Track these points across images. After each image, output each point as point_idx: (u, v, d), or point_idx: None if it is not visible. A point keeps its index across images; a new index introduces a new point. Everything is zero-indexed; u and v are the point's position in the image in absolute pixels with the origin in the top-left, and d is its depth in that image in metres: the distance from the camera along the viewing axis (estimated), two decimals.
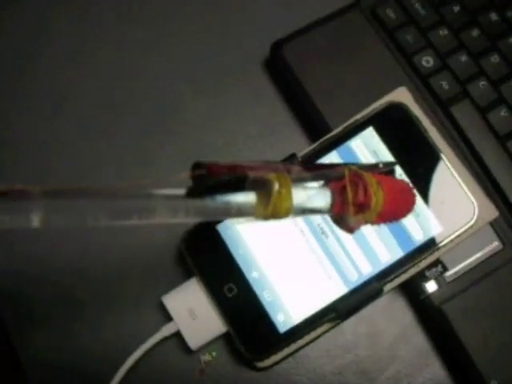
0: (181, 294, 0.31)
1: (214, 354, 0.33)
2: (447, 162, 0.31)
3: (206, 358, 0.33)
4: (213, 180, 0.21)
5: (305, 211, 0.23)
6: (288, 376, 0.33)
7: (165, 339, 0.32)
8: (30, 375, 0.33)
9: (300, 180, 0.23)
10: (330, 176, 0.24)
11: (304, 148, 0.32)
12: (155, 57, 0.37)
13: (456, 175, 0.31)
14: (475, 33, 0.34)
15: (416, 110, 0.31)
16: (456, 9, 0.34)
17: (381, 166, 0.26)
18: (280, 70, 0.35)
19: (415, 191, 0.28)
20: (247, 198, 0.22)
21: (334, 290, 0.30)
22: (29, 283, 0.34)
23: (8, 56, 0.37)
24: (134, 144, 0.36)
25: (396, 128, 0.31)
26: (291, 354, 0.31)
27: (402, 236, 0.30)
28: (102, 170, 0.35)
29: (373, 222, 0.24)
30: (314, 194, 0.23)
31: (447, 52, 0.34)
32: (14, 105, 0.36)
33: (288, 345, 0.31)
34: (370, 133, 0.31)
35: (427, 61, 0.34)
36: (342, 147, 0.31)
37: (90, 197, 0.19)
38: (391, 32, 0.34)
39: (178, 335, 0.32)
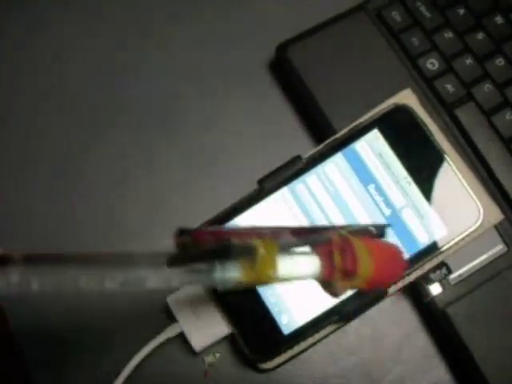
0: (185, 294, 0.31)
1: (217, 355, 0.33)
2: (452, 165, 0.31)
3: (209, 359, 0.33)
4: (196, 249, 0.21)
5: (290, 277, 0.22)
6: (291, 378, 0.33)
7: (169, 340, 0.32)
8: (34, 373, 0.33)
9: (287, 245, 0.23)
10: (319, 240, 0.23)
11: (309, 150, 0.32)
12: (160, 57, 0.37)
13: (461, 178, 0.31)
14: (480, 36, 0.34)
15: (421, 113, 0.31)
16: (461, 12, 0.34)
17: (372, 229, 0.26)
18: (285, 71, 0.35)
19: (405, 256, 0.27)
20: (231, 266, 0.21)
21: None
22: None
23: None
24: (138, 145, 0.36)
25: (401, 130, 0.31)
26: (295, 356, 0.31)
27: (407, 238, 0.30)
28: (104, 171, 0.35)
29: (362, 288, 0.23)
30: (302, 260, 0.22)
31: (452, 55, 0.34)
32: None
33: (292, 347, 0.30)
34: (375, 135, 0.31)
35: (432, 63, 0.34)
36: (347, 149, 0.31)
37: (74, 263, 0.19)
38: (397, 34, 0.34)
39: (181, 336, 0.32)
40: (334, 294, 0.23)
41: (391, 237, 0.30)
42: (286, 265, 0.22)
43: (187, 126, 0.36)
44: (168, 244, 0.21)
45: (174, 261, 0.20)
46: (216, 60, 0.37)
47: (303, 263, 0.22)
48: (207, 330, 0.31)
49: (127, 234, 0.34)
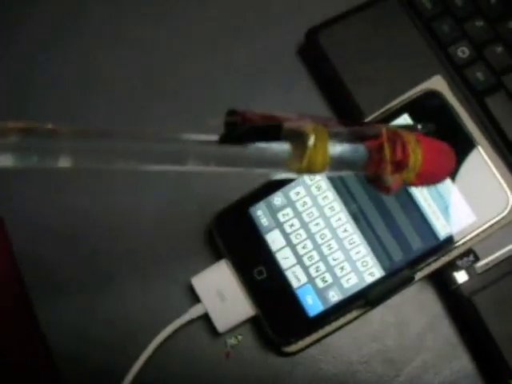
0: (210, 275, 0.31)
1: (240, 337, 0.33)
2: (482, 152, 0.31)
3: (232, 341, 0.33)
4: (247, 126, 0.20)
5: (339, 167, 0.22)
6: (314, 363, 0.33)
7: (192, 321, 0.32)
8: (56, 350, 0.33)
9: (336, 135, 0.22)
10: (367, 133, 0.23)
11: None
12: (192, 44, 0.37)
13: (490, 165, 0.31)
14: (511, 24, 0.34)
15: (451, 99, 0.31)
16: (492, 0, 0.34)
17: (419, 127, 0.25)
18: (315, 56, 0.35)
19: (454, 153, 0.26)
20: (281, 148, 0.20)
21: (364, 276, 0.30)
22: (58, 256, 0.34)
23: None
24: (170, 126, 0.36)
25: (431, 115, 0.31)
26: (319, 340, 0.31)
27: (435, 224, 0.30)
28: None
29: (411, 183, 0.23)
30: (350, 149, 0.22)
31: (483, 43, 0.34)
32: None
33: (316, 330, 0.30)
34: (404, 120, 0.31)
35: (463, 51, 0.34)
36: None
37: (120, 139, 0.19)
38: (427, 22, 0.34)
39: (205, 317, 0.32)
40: (386, 190, 0.23)
41: (418, 221, 0.30)
42: (335, 152, 0.21)
43: (218, 111, 0.36)
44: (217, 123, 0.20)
45: (224, 139, 0.20)
46: (246, 45, 0.37)
47: (353, 152, 0.22)
48: (231, 311, 0.31)
49: None
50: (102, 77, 0.37)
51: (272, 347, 0.32)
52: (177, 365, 0.33)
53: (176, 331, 0.32)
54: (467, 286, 0.31)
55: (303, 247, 0.31)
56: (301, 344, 0.31)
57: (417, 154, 0.22)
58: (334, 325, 0.31)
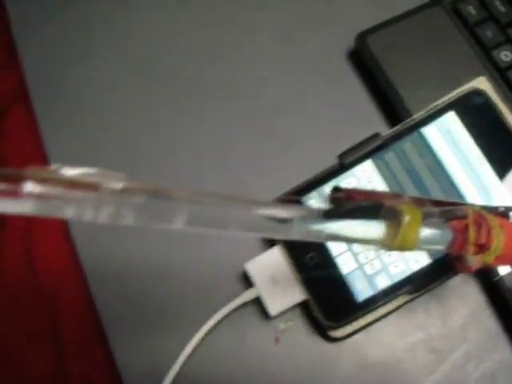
0: (263, 261, 0.33)
1: (289, 323, 0.34)
2: None
3: (281, 326, 0.34)
4: (351, 204, 0.22)
5: (426, 246, 0.23)
6: (359, 350, 0.34)
7: (243, 305, 0.34)
8: (111, 335, 0.35)
9: (428, 215, 0.24)
10: (454, 214, 0.24)
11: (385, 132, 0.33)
12: (243, 44, 0.40)
13: None
14: None
15: (495, 98, 0.33)
16: None
17: (502, 209, 0.27)
18: (364, 59, 0.37)
19: None
20: (376, 225, 0.22)
21: (411, 264, 0.32)
22: (116, 246, 0.36)
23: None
24: (219, 126, 0.38)
25: (476, 113, 0.33)
26: (365, 327, 0.32)
27: None
28: (184, 157, 0.38)
29: (490, 264, 0.24)
30: (437, 230, 0.23)
31: None
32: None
33: (363, 315, 0.32)
34: (451, 116, 0.33)
35: (506, 55, 0.35)
36: (424, 129, 0.33)
37: (232, 207, 0.20)
38: (471, 27, 0.36)
39: (254, 303, 0.33)
40: (468, 270, 0.24)
41: None
42: (425, 233, 0.22)
43: (270, 109, 0.38)
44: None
45: (329, 214, 0.22)
46: (298, 47, 0.39)
47: (440, 233, 0.23)
48: (283, 295, 0.32)
49: None
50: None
51: (320, 333, 0.34)
52: (227, 347, 0.34)
53: (227, 315, 0.33)
54: (510, 278, 0.32)
55: None
56: (348, 329, 0.32)
57: (499, 239, 0.24)
58: (381, 311, 0.32)
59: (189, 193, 0.19)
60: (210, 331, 0.33)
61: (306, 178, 0.33)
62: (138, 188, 0.19)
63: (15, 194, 0.17)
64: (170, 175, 0.37)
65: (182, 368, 0.33)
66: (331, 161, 0.34)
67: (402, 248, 0.22)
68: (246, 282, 0.34)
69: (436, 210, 0.24)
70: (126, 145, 0.38)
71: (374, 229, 0.22)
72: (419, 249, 0.23)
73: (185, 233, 0.19)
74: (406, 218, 0.22)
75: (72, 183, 0.18)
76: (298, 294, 0.32)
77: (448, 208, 0.25)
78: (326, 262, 0.32)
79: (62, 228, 0.39)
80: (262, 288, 0.33)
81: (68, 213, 0.18)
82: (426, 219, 0.23)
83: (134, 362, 0.35)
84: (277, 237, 0.21)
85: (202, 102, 0.39)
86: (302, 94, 0.38)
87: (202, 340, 0.33)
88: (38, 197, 0.17)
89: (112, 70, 0.40)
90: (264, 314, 0.34)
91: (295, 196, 0.32)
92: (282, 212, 0.21)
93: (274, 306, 0.33)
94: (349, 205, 0.22)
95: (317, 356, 0.34)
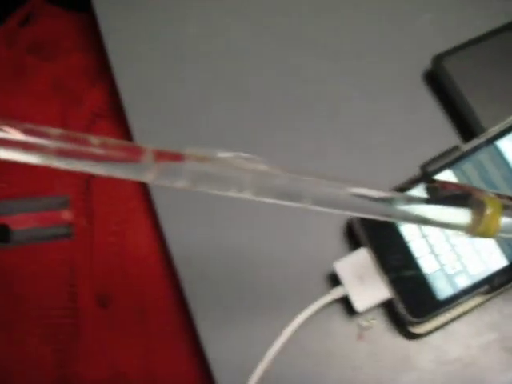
0: (351, 261, 0.36)
1: (373, 321, 0.37)
2: None
3: (365, 324, 0.37)
4: (446, 192, 0.26)
5: (505, 234, 0.26)
6: (438, 348, 0.36)
7: (330, 304, 0.36)
8: (201, 329, 0.38)
9: (507, 207, 0.26)
10: None
11: None
12: (328, 65, 0.43)
13: None
14: None
15: None
16: None
17: None
18: (440, 79, 0.40)
19: None
20: (463, 212, 0.26)
21: (489, 265, 0.34)
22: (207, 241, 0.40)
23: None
24: (309, 137, 0.42)
25: None
26: (444, 325, 0.35)
27: None
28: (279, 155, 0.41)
29: None
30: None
31: None
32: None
33: (443, 312, 0.34)
34: None
35: None
36: (500, 141, 0.36)
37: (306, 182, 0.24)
38: None
39: (338, 301, 0.36)
40: None
41: None
42: (505, 223, 0.26)
43: (353, 125, 0.42)
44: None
45: (429, 201, 0.26)
46: (378, 68, 0.43)
47: None
48: (369, 293, 0.35)
49: None
50: None
51: (401, 331, 0.36)
52: (313, 342, 0.37)
53: (314, 312, 0.36)
54: None
55: (435, 238, 0.35)
56: (429, 326, 0.35)
57: None
58: (460, 309, 0.34)
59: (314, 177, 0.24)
60: (300, 326, 0.36)
61: (392, 187, 0.36)
62: (276, 170, 0.23)
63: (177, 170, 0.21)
64: None
65: (270, 363, 0.36)
66: (410, 172, 0.37)
67: (484, 235, 0.26)
68: (332, 280, 0.37)
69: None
70: None
71: (461, 215, 0.26)
72: (498, 237, 0.26)
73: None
74: (489, 209, 0.25)
75: (224, 164, 0.22)
76: (383, 292, 0.35)
77: None
78: (410, 262, 0.35)
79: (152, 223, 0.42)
80: (349, 286, 0.36)
81: (223, 188, 0.22)
82: (505, 211, 0.26)
83: (223, 357, 0.38)
84: (375, 216, 0.25)
85: (288, 119, 0.42)
86: (382, 111, 0.41)
87: (293, 333, 0.36)
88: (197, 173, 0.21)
89: (202, 87, 0.44)
90: (348, 312, 0.37)
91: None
92: (379, 193, 0.25)
93: (360, 303, 0.35)
94: (444, 192, 0.26)
95: (397, 352, 0.37)
